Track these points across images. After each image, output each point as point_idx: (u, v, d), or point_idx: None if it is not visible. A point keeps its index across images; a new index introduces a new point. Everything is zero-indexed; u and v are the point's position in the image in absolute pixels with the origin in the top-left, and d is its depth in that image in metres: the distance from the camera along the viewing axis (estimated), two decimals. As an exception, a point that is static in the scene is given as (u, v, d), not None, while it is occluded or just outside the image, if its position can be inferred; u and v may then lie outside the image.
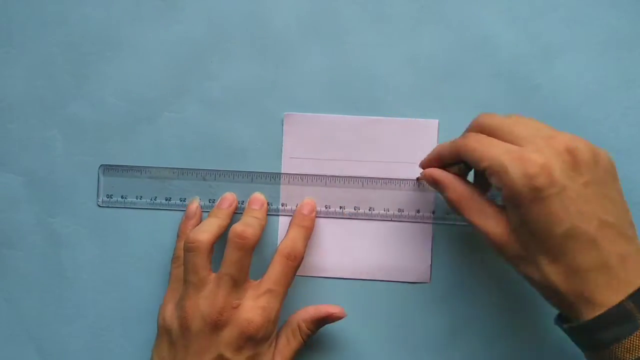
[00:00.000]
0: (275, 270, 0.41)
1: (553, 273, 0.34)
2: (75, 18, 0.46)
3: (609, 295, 0.33)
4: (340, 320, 0.43)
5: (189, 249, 0.40)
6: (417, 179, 0.44)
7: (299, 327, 0.42)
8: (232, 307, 0.39)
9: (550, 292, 0.35)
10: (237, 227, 0.40)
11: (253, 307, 0.40)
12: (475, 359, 0.44)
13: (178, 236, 0.44)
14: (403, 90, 0.45)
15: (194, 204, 0.45)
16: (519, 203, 0.34)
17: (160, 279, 0.45)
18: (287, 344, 0.42)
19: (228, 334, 0.39)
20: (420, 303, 0.45)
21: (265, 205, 0.44)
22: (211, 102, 0.45)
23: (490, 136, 0.37)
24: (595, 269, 0.33)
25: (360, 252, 0.45)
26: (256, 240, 0.40)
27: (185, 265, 0.40)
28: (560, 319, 0.36)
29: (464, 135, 0.39)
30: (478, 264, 0.45)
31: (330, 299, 0.45)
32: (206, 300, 0.39)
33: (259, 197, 0.44)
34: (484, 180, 0.37)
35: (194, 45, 0.45)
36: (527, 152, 0.34)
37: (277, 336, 0.42)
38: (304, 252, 0.42)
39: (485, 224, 0.37)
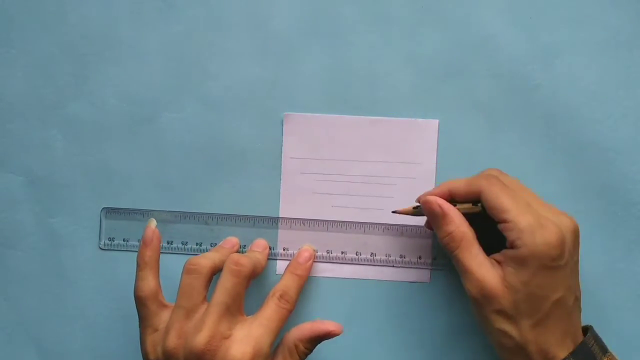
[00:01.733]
0: (268, 309, 0.39)
1: (530, 336, 0.36)
2: (75, 18, 0.46)
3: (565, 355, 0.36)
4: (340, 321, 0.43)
5: (189, 270, 0.39)
6: (416, 206, 0.42)
7: (296, 347, 0.39)
8: (223, 337, 0.37)
9: (519, 351, 0.37)
10: (234, 255, 0.40)
11: (245, 338, 0.37)
12: (476, 359, 0.44)
13: (137, 266, 0.41)
14: (403, 90, 0.45)
15: (151, 228, 0.41)
16: (531, 264, 0.36)
17: (160, 279, 0.45)
18: None
19: None
20: (420, 303, 0.45)
21: (267, 250, 0.45)
22: (211, 102, 0.45)
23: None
24: (564, 336, 0.37)
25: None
26: (252, 270, 0.40)
27: (180, 289, 0.39)
28: None
29: (483, 176, 0.39)
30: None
31: (330, 298, 0.45)
32: (196, 328, 0.37)
33: (262, 241, 0.45)
34: (481, 226, 0.38)
35: (194, 46, 0.45)
36: (549, 221, 0.36)
37: (273, 356, 0.40)
38: (297, 298, 0.42)
39: (482, 272, 0.37)
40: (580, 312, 0.39)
